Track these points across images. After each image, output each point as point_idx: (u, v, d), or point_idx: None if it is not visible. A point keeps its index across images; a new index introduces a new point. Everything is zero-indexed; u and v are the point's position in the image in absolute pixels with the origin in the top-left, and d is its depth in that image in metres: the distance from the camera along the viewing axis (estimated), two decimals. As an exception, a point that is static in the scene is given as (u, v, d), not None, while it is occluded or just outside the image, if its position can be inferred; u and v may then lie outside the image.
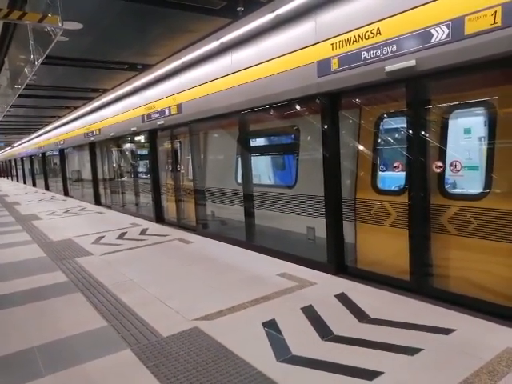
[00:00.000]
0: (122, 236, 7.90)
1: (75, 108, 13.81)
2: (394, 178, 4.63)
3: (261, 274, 4.95)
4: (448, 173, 4.02)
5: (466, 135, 4.10)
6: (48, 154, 23.01)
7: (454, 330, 3.19)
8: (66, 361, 3.10)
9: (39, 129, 21.26)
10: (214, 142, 8.28)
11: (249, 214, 6.69)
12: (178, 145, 9.44)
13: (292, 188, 6.05)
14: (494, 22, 3.15)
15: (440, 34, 3.53)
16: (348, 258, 5.01)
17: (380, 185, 4.73)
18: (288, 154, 6.97)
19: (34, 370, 3.00)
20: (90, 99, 11.93)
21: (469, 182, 4.01)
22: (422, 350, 2.94)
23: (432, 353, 2.90)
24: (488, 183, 3.71)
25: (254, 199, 6.62)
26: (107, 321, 3.80)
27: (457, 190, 4.06)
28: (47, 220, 10.67)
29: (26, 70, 6.65)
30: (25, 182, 31.75)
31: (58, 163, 20.18)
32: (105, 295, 4.51)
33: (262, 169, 7.46)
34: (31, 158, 27.96)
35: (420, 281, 4.12)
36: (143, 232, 8.26)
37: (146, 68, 8.10)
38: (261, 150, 7.35)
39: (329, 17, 4.62)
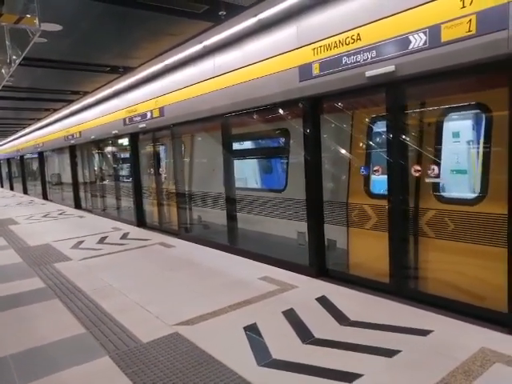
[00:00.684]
0: (102, 240, 7.77)
1: (55, 110, 13.57)
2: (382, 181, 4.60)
3: (243, 278, 4.93)
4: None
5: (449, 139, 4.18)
6: (27, 156, 22.52)
7: (432, 331, 3.24)
8: (42, 369, 3.01)
9: (17, 131, 20.78)
10: (201, 146, 8.20)
11: (231, 218, 6.68)
12: (160, 148, 9.36)
13: (282, 192, 6.03)
14: (469, 30, 3.24)
15: (418, 40, 3.61)
16: (337, 263, 5.03)
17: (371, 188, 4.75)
18: (276, 158, 6.99)
19: (7, 379, 2.91)
20: (70, 102, 11.75)
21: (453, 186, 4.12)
22: (400, 351, 2.97)
23: (410, 354, 2.94)
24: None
25: (238, 203, 6.61)
26: (85, 327, 3.72)
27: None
28: (25, 224, 10.41)
29: (2, 71, 6.50)
30: (2, 186, 30.95)
31: (37, 166, 19.76)
32: (83, 301, 4.41)
33: (249, 172, 7.45)
34: (9, 160, 27.28)
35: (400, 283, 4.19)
36: (124, 236, 8.14)
37: (127, 71, 8.03)
38: (248, 154, 7.31)
39: (310, 22, 4.67)
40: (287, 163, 6.12)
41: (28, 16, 4.06)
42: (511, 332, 3.18)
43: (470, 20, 3.23)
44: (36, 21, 4.04)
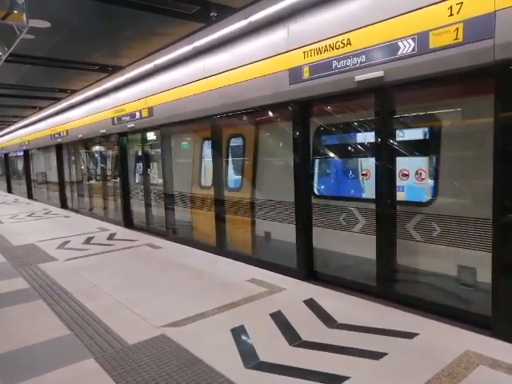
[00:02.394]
0: (88, 241, 7.67)
1: (41, 108, 13.36)
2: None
3: (230, 280, 4.92)
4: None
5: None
6: (11, 154, 22.13)
7: (417, 334, 3.28)
8: (26, 371, 2.96)
9: (2, 129, 20.40)
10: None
11: (220, 220, 6.66)
12: (149, 148, 9.28)
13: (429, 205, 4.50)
14: (456, 38, 3.30)
15: (407, 46, 3.67)
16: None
17: None
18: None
19: (-10, 382, 2.85)
20: (58, 100, 11.58)
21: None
22: (386, 354, 3.00)
23: (396, 357, 2.96)
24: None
25: (225, 204, 6.55)
26: (70, 329, 3.66)
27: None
28: (9, 224, 10.22)
29: (-12, 67, 6.37)
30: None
31: (22, 164, 19.43)
32: (68, 302, 4.35)
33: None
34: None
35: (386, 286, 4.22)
36: (111, 237, 8.05)
37: (116, 70, 7.95)
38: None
39: (300, 26, 4.70)
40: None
41: (15, 12, 3.99)
42: (495, 335, 3.23)
43: (458, 28, 3.29)
44: (24, 17, 3.97)
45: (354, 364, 2.89)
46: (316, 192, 5.25)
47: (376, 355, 2.98)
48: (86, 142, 12.30)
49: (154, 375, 2.84)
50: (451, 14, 3.32)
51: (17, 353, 3.27)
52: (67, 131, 12.65)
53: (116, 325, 3.71)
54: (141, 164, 9.33)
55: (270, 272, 5.15)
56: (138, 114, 8.38)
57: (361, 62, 4.06)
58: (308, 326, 3.53)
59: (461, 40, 3.27)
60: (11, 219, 10.98)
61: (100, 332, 3.58)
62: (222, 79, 5.92)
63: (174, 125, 7.47)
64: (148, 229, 8.96)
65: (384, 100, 4.11)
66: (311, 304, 4.04)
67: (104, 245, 7.26)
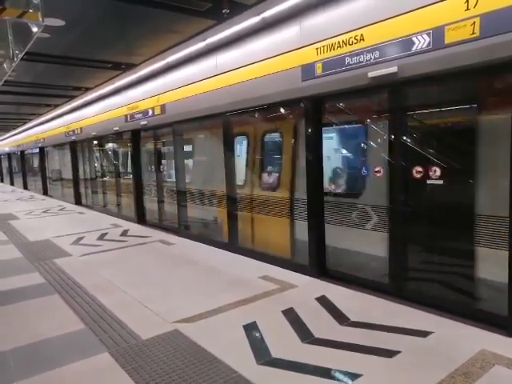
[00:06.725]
0: (102, 237, 7.77)
1: (56, 106, 13.54)
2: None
3: (242, 277, 4.93)
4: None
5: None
6: (27, 152, 22.51)
7: (432, 333, 3.25)
8: (41, 365, 3.02)
9: (18, 126, 20.76)
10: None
11: (233, 217, 6.67)
12: (162, 145, 9.35)
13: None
14: (473, 33, 3.24)
15: (421, 42, 3.61)
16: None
17: None
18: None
19: (6, 374, 2.91)
20: (72, 97, 11.72)
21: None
22: (399, 352, 2.98)
23: (409, 355, 2.94)
24: None
25: (238, 202, 6.56)
26: (85, 323, 3.73)
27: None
28: (25, 220, 10.41)
29: (4, 65, 6.47)
30: (2, 181, 30.94)
31: (38, 162, 19.76)
32: (83, 297, 4.42)
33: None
34: (9, 155, 27.27)
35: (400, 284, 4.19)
36: (124, 233, 8.14)
37: (129, 67, 8.01)
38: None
39: (313, 22, 4.67)
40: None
41: (31, 11, 4.04)
42: (511, 334, 3.18)
43: (474, 22, 3.23)
44: (39, 15, 4.02)
45: (367, 362, 2.88)
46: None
47: (389, 353, 2.96)
48: (100, 140, 12.45)
49: (167, 370, 2.87)
50: (468, 9, 3.25)
51: (33, 346, 3.34)
52: (81, 129, 12.82)
53: (130, 320, 3.76)
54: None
55: (282, 269, 5.15)
56: (150, 112, 8.44)
57: (374, 58, 4.01)
58: (320, 324, 3.52)
59: (478, 35, 3.21)
60: (27, 215, 11.18)
61: (114, 327, 3.63)
62: (234, 76, 5.91)
63: (187, 122, 7.50)
64: (160, 225, 9.04)
65: (398, 96, 4.06)
66: (323, 301, 4.03)
67: (117, 241, 7.34)
